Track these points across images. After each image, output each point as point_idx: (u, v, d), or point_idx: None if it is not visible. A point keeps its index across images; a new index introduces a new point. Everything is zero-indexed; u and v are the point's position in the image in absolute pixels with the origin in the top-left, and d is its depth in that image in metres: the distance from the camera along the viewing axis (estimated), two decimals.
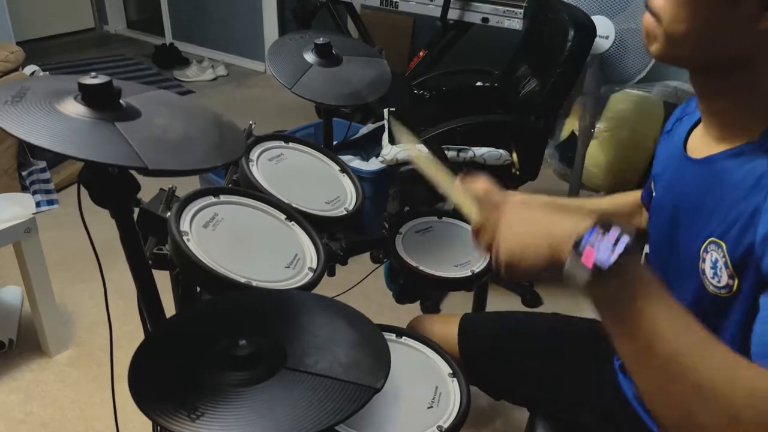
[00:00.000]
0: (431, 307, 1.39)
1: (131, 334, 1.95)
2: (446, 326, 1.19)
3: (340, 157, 1.25)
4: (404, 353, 1.00)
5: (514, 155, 2.03)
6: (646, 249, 0.97)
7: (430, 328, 1.21)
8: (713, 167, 0.78)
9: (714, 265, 0.74)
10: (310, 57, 1.21)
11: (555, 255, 0.65)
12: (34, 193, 2.69)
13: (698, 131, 0.86)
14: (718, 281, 0.74)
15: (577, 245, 0.62)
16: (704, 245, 0.76)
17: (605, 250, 0.59)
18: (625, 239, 0.60)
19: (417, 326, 1.23)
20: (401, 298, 1.29)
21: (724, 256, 0.72)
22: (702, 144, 0.83)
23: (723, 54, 0.72)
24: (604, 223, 0.62)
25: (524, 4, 2.49)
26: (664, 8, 0.73)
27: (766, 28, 0.67)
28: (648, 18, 0.76)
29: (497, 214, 0.74)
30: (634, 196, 1.13)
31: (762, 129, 0.73)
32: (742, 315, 0.73)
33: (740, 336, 0.75)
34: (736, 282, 0.71)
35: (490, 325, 1.22)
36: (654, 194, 0.94)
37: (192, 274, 0.87)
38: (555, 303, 2.21)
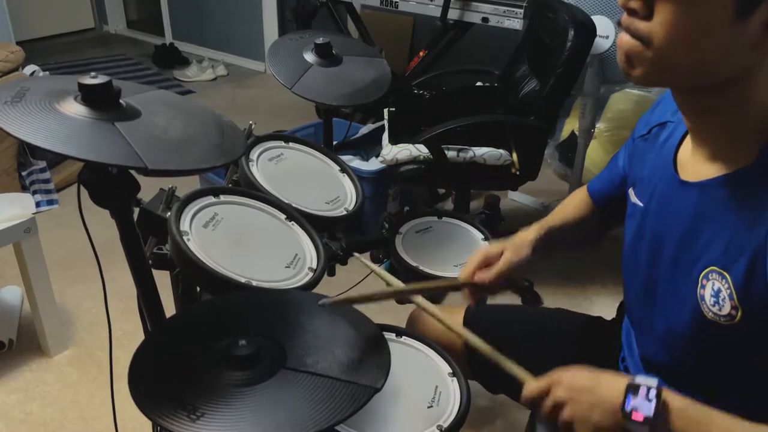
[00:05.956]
0: None
1: (131, 334, 1.95)
2: (449, 318, 1.18)
3: (340, 157, 1.25)
4: (404, 353, 1.00)
5: (514, 155, 2.03)
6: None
7: (432, 319, 1.19)
8: (708, 193, 0.75)
9: (716, 294, 0.74)
10: (310, 57, 1.21)
11: (618, 424, 0.73)
12: (34, 193, 2.69)
13: (687, 147, 0.81)
14: (719, 309, 0.73)
15: (625, 413, 0.70)
16: (704, 272, 0.75)
17: (646, 406, 0.69)
18: (653, 391, 0.70)
19: (418, 317, 1.22)
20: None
21: (729, 288, 0.72)
22: (694, 162, 0.79)
23: (718, 75, 0.67)
24: (631, 384, 0.71)
25: (524, 4, 2.49)
26: (656, 32, 0.65)
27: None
28: (629, 41, 0.68)
29: (558, 390, 0.77)
30: (579, 197, 1.14)
31: (757, 149, 0.70)
32: (747, 341, 0.73)
33: (751, 361, 0.75)
34: (740, 312, 0.71)
35: (494, 318, 1.21)
36: (640, 204, 0.89)
37: (192, 274, 0.87)
38: (555, 303, 2.20)
